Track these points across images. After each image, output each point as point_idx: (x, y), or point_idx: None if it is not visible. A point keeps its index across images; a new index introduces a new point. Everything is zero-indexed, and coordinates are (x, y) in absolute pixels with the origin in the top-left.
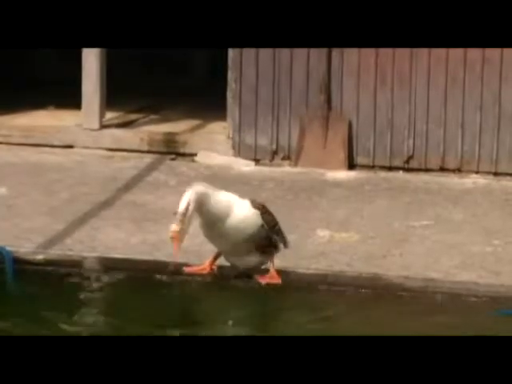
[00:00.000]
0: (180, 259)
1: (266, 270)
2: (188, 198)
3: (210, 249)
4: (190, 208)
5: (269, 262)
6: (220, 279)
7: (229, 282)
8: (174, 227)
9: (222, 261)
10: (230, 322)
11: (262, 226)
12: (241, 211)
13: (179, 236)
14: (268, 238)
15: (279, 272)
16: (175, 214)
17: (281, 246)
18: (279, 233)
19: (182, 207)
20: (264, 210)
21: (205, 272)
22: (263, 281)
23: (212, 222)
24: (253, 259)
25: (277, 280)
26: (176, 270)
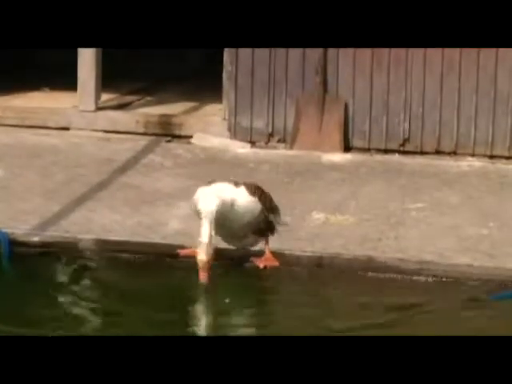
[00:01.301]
0: (175, 241)
1: (262, 253)
2: (208, 225)
3: None
4: (211, 233)
5: (264, 245)
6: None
7: (225, 263)
8: (203, 258)
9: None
10: (227, 300)
11: (262, 210)
12: (241, 202)
13: (208, 265)
14: (266, 220)
15: (275, 254)
16: (200, 243)
17: (277, 227)
18: (275, 210)
19: (204, 239)
20: (260, 193)
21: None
22: (261, 264)
23: (218, 217)
24: (249, 240)
25: (274, 262)
26: (171, 252)
